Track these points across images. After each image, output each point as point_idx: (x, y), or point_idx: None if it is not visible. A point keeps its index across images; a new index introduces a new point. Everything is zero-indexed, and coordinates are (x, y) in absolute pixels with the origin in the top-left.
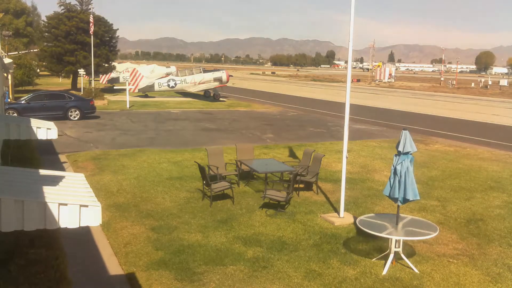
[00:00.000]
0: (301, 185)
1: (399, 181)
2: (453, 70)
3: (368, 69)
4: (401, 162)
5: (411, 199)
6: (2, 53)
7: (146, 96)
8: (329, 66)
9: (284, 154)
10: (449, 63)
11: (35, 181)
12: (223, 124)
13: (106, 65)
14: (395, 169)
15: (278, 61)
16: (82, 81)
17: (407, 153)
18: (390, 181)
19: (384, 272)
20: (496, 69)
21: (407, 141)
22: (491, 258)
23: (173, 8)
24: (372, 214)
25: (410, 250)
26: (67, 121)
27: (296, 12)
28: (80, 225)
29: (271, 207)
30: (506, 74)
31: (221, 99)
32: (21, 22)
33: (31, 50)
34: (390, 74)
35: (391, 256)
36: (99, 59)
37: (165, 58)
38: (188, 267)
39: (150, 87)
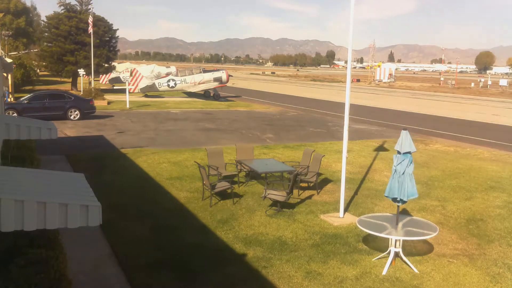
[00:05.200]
0: (304, 184)
1: (398, 182)
2: (453, 71)
3: (363, 67)
4: (400, 163)
5: (405, 199)
6: (2, 53)
7: (146, 96)
8: (329, 66)
9: (284, 154)
10: (449, 63)
11: (35, 181)
12: (223, 124)
13: (106, 65)
14: (395, 170)
15: (278, 61)
16: (82, 81)
17: (406, 153)
18: (390, 182)
19: (384, 272)
20: (496, 69)
21: (406, 141)
22: (491, 258)
23: (173, 7)
24: (372, 214)
25: (410, 250)
26: (67, 121)
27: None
28: (80, 225)
29: (272, 206)
30: (506, 74)
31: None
32: (21, 22)
33: (31, 50)
34: (390, 74)
35: (391, 256)
36: (99, 59)
37: (165, 58)
38: (188, 267)
39: (150, 87)
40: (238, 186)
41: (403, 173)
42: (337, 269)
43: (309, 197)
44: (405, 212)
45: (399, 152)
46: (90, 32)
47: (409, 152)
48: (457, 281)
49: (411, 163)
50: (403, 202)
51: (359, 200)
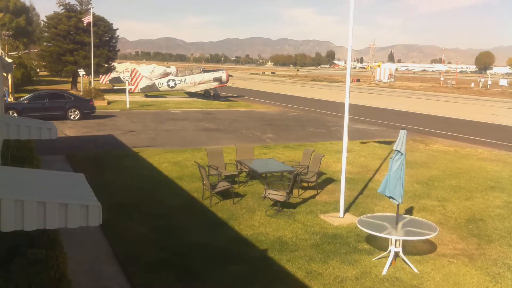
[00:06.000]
0: (304, 184)
1: (391, 179)
2: (453, 71)
3: (363, 67)
4: (393, 161)
5: (396, 198)
6: (2, 53)
7: (147, 96)
8: (329, 66)
9: (284, 154)
10: (449, 63)
11: (35, 181)
12: (223, 124)
13: (106, 65)
14: (389, 168)
15: (278, 61)
16: (82, 81)
17: (398, 153)
18: (384, 179)
19: (384, 272)
20: (496, 69)
21: (399, 141)
22: (491, 258)
23: (173, 7)
24: (372, 214)
25: (410, 250)
26: (67, 121)
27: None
28: (80, 225)
29: (272, 206)
30: (506, 74)
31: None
32: (21, 21)
33: (31, 50)
34: (390, 74)
35: (391, 256)
36: (99, 59)
37: (165, 58)
38: (188, 266)
39: (150, 87)
40: (238, 186)
41: (394, 172)
42: (337, 269)
43: (309, 197)
44: (405, 212)
45: (396, 152)
46: (89, 23)
47: (399, 152)
48: (457, 281)
49: (402, 162)
50: (389, 198)
51: (359, 200)
